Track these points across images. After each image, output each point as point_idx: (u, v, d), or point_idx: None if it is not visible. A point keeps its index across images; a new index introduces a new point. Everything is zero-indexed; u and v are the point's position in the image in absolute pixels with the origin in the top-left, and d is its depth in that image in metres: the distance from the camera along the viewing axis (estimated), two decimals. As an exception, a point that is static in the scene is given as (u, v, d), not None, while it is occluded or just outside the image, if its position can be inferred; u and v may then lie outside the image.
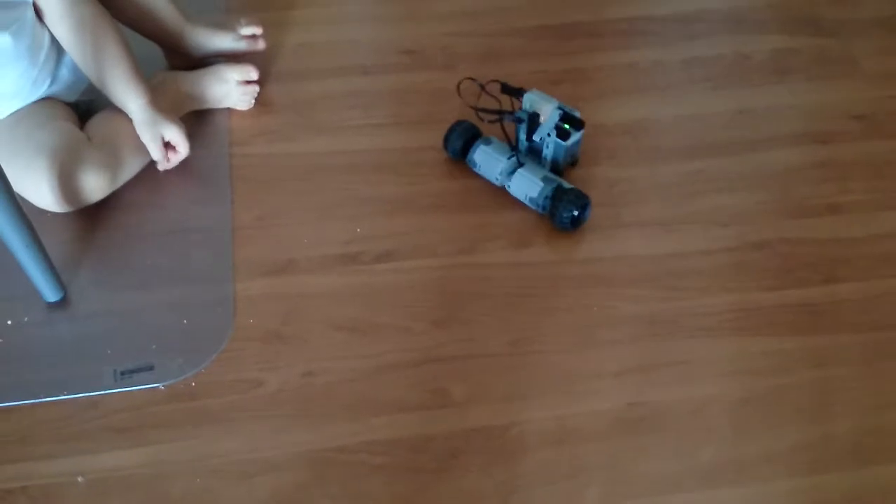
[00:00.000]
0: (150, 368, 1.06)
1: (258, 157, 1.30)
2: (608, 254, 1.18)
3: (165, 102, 1.26)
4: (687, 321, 1.10)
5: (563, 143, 1.20)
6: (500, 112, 1.20)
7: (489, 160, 1.23)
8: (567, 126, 1.19)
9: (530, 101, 1.20)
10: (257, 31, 1.39)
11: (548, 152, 1.22)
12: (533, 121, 1.20)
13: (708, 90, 1.42)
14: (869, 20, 1.54)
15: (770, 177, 1.27)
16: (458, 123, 1.26)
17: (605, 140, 1.32)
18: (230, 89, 1.34)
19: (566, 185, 1.19)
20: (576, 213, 1.16)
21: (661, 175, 1.28)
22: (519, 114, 1.20)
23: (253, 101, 1.36)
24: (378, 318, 1.10)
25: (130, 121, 1.20)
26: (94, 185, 1.16)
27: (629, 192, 1.26)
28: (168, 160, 1.23)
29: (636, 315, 1.11)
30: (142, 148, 1.21)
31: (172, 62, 1.40)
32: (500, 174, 1.22)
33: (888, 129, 1.34)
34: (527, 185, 1.20)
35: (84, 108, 1.27)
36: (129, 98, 1.18)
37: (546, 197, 1.18)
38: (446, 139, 1.26)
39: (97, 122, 1.22)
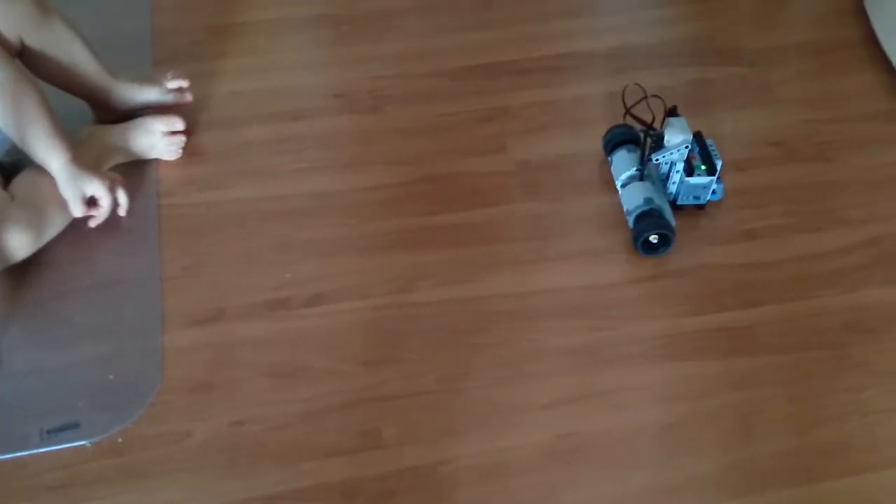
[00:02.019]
0: (77, 426, 1.05)
1: (187, 207, 1.30)
2: (536, 287, 1.20)
3: (90, 157, 1.26)
4: (613, 351, 1.12)
5: (686, 178, 1.22)
6: (643, 123, 1.23)
7: (620, 164, 1.27)
8: (699, 165, 1.22)
9: (669, 123, 1.22)
10: (184, 84, 1.40)
11: (672, 184, 1.24)
12: (655, 141, 1.22)
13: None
14: (782, 48, 1.59)
15: (688, 207, 1.30)
16: (618, 126, 1.30)
17: (531, 175, 1.35)
18: (156, 140, 1.35)
19: (661, 212, 1.20)
20: (648, 236, 1.19)
21: (586, 208, 1.31)
22: (650, 130, 1.22)
23: (180, 151, 1.37)
24: (308, 362, 1.10)
25: (54, 178, 1.20)
26: (18, 244, 1.15)
27: (556, 227, 1.28)
28: (92, 216, 1.23)
29: (564, 347, 1.13)
30: (66, 205, 1.20)
31: (99, 116, 1.40)
32: (620, 180, 1.26)
33: (803, 154, 1.38)
34: (630, 198, 1.23)
35: (9, 168, 1.26)
36: (51, 156, 1.18)
37: (636, 215, 1.21)
38: (604, 136, 1.32)
39: (21, 181, 1.22)
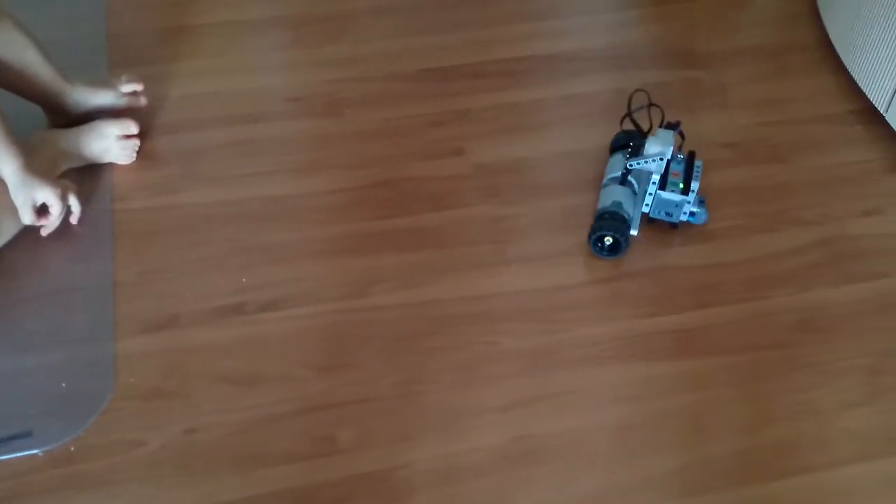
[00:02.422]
0: (28, 435, 1.03)
1: (141, 212, 1.29)
2: (492, 290, 1.20)
3: (43, 163, 1.24)
4: (569, 352, 1.13)
5: (659, 191, 1.21)
6: (638, 128, 1.24)
7: (612, 166, 1.27)
8: (677, 182, 1.20)
9: (657, 134, 1.22)
10: (138, 87, 1.38)
11: (648, 195, 1.22)
12: (634, 147, 1.23)
13: (587, 126, 1.46)
14: (738, 51, 1.61)
15: (646, 207, 1.31)
16: (626, 131, 1.29)
17: (489, 179, 1.35)
18: (110, 144, 1.33)
19: (624, 217, 1.19)
20: (602, 236, 1.19)
21: (543, 211, 1.31)
22: (637, 136, 1.22)
23: (134, 155, 1.35)
24: (263, 368, 1.10)
25: (6, 185, 1.18)
26: (-33, 250, 1.13)
27: (512, 230, 1.28)
28: (43, 224, 1.21)
29: (520, 350, 1.13)
30: (17, 212, 1.19)
31: (54, 121, 1.38)
32: (604, 181, 1.26)
33: (757, 156, 1.40)
34: (603, 198, 1.23)
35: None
36: (2, 162, 1.16)
37: (598, 214, 1.21)
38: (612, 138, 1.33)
39: (-29, 188, 1.20)
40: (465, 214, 1.31)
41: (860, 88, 1.48)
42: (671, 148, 1.19)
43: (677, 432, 1.05)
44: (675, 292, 1.20)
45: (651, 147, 1.19)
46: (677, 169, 1.22)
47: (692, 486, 1.00)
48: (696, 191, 1.20)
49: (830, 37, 1.58)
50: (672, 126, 1.24)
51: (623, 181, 1.23)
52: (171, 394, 1.07)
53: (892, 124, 1.41)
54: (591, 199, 1.32)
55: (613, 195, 1.22)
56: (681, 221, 1.24)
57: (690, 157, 1.24)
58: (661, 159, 1.18)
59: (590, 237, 1.21)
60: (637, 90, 1.24)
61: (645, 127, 1.27)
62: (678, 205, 1.22)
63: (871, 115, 1.46)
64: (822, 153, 1.41)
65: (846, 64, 1.52)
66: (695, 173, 1.21)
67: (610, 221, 1.19)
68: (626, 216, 1.20)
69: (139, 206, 1.30)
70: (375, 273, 1.21)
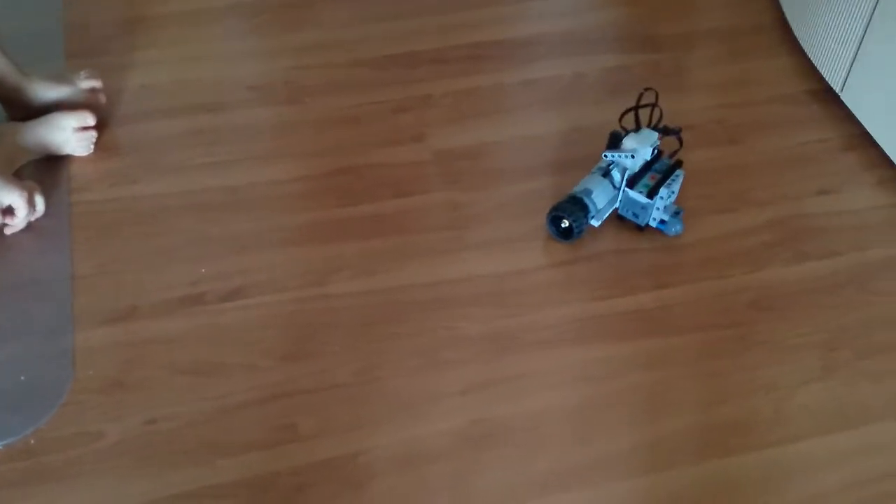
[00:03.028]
0: (-13, 428, 1.03)
1: (100, 203, 1.29)
2: (452, 276, 1.21)
3: (1, 156, 1.23)
4: (527, 336, 1.14)
5: (626, 189, 1.20)
6: (637, 123, 1.23)
7: (601, 161, 1.25)
8: (646, 184, 1.19)
9: (640, 132, 1.21)
10: (97, 84, 1.38)
11: (621, 191, 1.22)
12: (611, 141, 1.23)
13: (547, 110, 1.47)
14: (696, 33, 1.62)
15: (605, 190, 1.32)
16: (628, 130, 1.25)
17: (450, 165, 1.36)
18: (68, 136, 1.32)
19: (586, 205, 1.19)
20: (558, 215, 1.20)
21: (503, 196, 1.32)
22: (620, 132, 1.22)
23: (92, 147, 1.35)
24: (223, 358, 1.10)
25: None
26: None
27: (472, 215, 1.29)
28: (8, 224, 1.20)
29: (479, 334, 1.14)
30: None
31: (11, 114, 1.37)
32: (594, 168, 1.25)
33: (714, 138, 1.42)
34: (580, 182, 1.23)
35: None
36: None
37: (566, 196, 1.21)
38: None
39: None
40: (426, 201, 1.31)
41: (816, 69, 1.50)
42: (648, 148, 1.18)
43: (634, 411, 1.06)
44: (632, 274, 1.21)
45: (628, 142, 1.19)
46: (657, 173, 1.21)
47: (648, 463, 1.01)
48: (665, 198, 1.19)
49: (787, 18, 1.60)
50: (671, 131, 1.23)
51: (606, 173, 1.23)
52: (130, 385, 1.07)
53: (847, 103, 1.43)
54: (550, 184, 1.33)
55: (588, 182, 1.22)
56: (648, 226, 1.23)
57: (674, 165, 1.23)
58: (633, 156, 1.18)
59: (547, 214, 1.21)
60: (647, 88, 1.23)
61: (638, 121, 1.26)
62: (644, 207, 1.20)
63: (827, 94, 1.48)
64: (778, 134, 1.43)
65: (802, 45, 1.54)
66: (669, 181, 1.20)
67: (569, 205, 1.20)
68: (588, 204, 1.19)
69: (98, 198, 1.29)
70: (336, 261, 1.22)
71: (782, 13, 1.62)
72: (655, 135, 1.20)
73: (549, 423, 1.05)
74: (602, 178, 1.22)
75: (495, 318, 1.16)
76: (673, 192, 1.21)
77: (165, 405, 1.05)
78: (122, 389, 1.06)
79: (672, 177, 1.21)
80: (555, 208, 1.21)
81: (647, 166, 1.21)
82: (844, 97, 1.43)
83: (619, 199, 1.23)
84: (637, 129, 1.22)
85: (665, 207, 1.21)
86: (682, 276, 1.21)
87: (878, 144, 1.38)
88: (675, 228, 1.22)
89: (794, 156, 1.39)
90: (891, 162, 1.36)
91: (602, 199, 1.21)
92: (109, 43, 1.56)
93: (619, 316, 1.16)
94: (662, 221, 1.22)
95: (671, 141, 1.26)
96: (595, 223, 1.22)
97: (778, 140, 1.42)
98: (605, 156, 1.20)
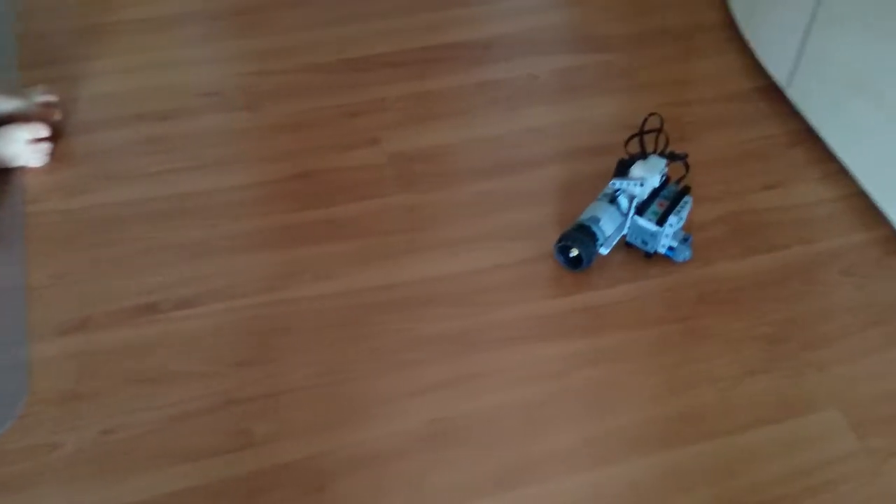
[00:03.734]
0: (-59, 443, 1.02)
1: (54, 214, 1.28)
2: (409, 278, 1.22)
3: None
4: (483, 335, 1.15)
5: (635, 216, 1.19)
6: (644, 151, 1.22)
7: (607, 187, 1.24)
8: (656, 211, 1.18)
9: (648, 159, 1.20)
10: (53, 98, 1.38)
11: (629, 218, 1.20)
12: (619, 168, 1.21)
13: (501, 112, 1.49)
14: (646, 33, 1.65)
15: (557, 190, 1.35)
16: (637, 154, 1.24)
17: (405, 167, 1.37)
18: (20, 149, 1.32)
19: (593, 231, 1.17)
20: (567, 245, 1.18)
21: (458, 197, 1.34)
22: (628, 158, 1.21)
23: (46, 158, 1.34)
24: (178, 366, 1.10)
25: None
26: None
27: (428, 217, 1.31)
28: None
29: (436, 334, 1.16)
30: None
31: (-37, 126, 1.36)
32: (600, 195, 1.24)
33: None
34: (586, 210, 1.22)
35: None
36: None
37: (574, 224, 1.20)
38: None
39: None
40: (381, 204, 1.33)
41: (762, 66, 1.54)
42: (657, 176, 1.18)
43: (586, 406, 1.08)
44: (585, 272, 1.23)
45: (636, 170, 1.18)
46: (665, 200, 1.21)
47: (597, 457, 1.04)
48: (674, 225, 1.19)
49: (735, 17, 1.63)
50: (677, 157, 1.22)
51: (612, 199, 1.21)
52: (86, 395, 1.07)
53: (792, 100, 1.47)
54: (505, 184, 1.35)
55: (595, 209, 1.20)
56: (657, 253, 1.23)
57: (682, 191, 1.22)
58: (642, 184, 1.17)
59: (556, 244, 1.20)
60: (651, 114, 1.24)
61: (643, 147, 1.25)
62: (653, 234, 1.19)
63: (773, 91, 1.51)
64: (726, 131, 1.46)
65: (749, 43, 1.57)
66: (678, 208, 1.19)
67: (578, 234, 1.18)
68: (596, 232, 1.18)
69: (52, 209, 1.29)
70: (291, 266, 1.23)
71: (730, 12, 1.65)
72: (663, 162, 1.20)
73: (505, 420, 1.07)
74: (609, 204, 1.20)
75: (452, 319, 1.17)
76: (681, 219, 1.20)
77: (122, 414, 1.05)
78: (78, 400, 1.07)
79: (681, 203, 1.20)
80: (563, 238, 1.18)
81: (655, 193, 1.21)
82: (790, 94, 1.47)
83: (628, 226, 1.21)
84: (644, 155, 1.21)
85: (674, 234, 1.20)
86: (634, 273, 1.23)
87: (822, 140, 1.41)
88: (683, 255, 1.21)
89: (742, 152, 1.42)
90: (835, 157, 1.39)
91: (610, 227, 1.19)
92: (64, 52, 1.56)
93: (572, 313, 1.18)
94: (671, 248, 1.21)
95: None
96: (604, 251, 1.21)
97: (726, 137, 1.45)
98: (614, 184, 1.19)
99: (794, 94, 1.45)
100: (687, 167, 1.25)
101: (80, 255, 1.22)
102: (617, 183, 1.19)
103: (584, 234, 1.17)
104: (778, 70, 1.48)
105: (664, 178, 1.21)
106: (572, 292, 1.21)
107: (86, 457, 1.02)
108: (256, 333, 1.15)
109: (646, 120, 1.23)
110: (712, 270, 1.24)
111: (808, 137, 1.44)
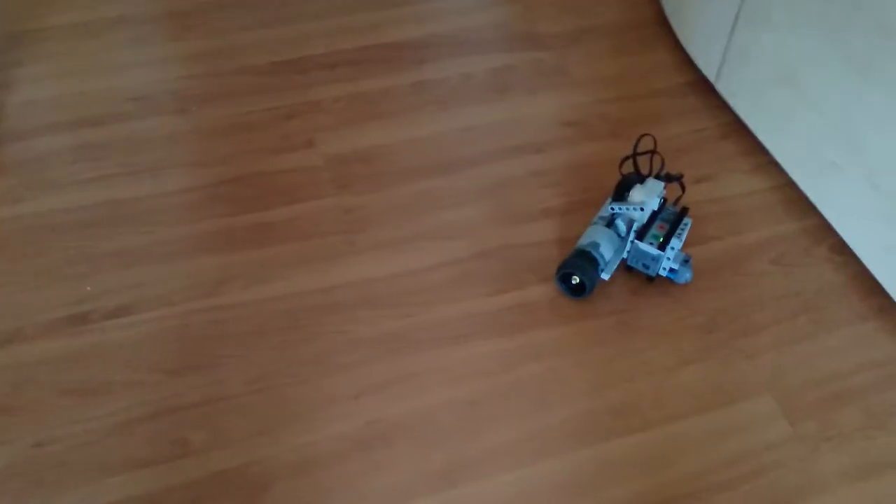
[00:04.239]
0: None
1: (-20, 225, 1.25)
2: (345, 280, 1.22)
3: None
4: (420, 335, 1.16)
5: (636, 241, 1.17)
6: (638, 173, 1.21)
7: (605, 207, 1.23)
8: (657, 235, 1.17)
9: (646, 183, 1.18)
10: None
11: (629, 242, 1.19)
12: (617, 190, 1.20)
13: (436, 112, 1.49)
14: (578, 31, 1.67)
15: (492, 189, 1.35)
16: (631, 173, 1.22)
17: (341, 169, 1.37)
18: (-58, 158, 1.29)
19: (594, 257, 1.16)
20: (569, 273, 1.16)
21: (395, 198, 1.34)
22: (625, 179, 1.18)
23: (-30, 168, 1.31)
24: (111, 376, 1.09)
25: None
26: None
27: (364, 218, 1.30)
28: None
29: (373, 336, 1.15)
30: None
31: None
32: (595, 218, 1.22)
33: (596, 132, 1.46)
34: (584, 235, 1.20)
35: None
36: None
37: (574, 251, 1.18)
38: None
39: None
40: (317, 206, 1.32)
41: (692, 61, 1.56)
42: (656, 199, 1.17)
43: (524, 402, 1.09)
44: (521, 269, 1.24)
45: (635, 194, 1.17)
46: (665, 222, 1.20)
47: (538, 451, 1.05)
48: (676, 248, 1.18)
49: (665, 13, 1.66)
50: (673, 178, 1.21)
51: (609, 223, 1.20)
52: (17, 408, 1.05)
53: (721, 94, 1.50)
54: (441, 184, 1.36)
55: (594, 234, 1.19)
56: (659, 276, 1.22)
57: (681, 213, 1.21)
58: (642, 209, 1.16)
59: (557, 271, 1.18)
60: (644, 134, 1.24)
61: (638, 168, 1.24)
62: (655, 258, 1.18)
63: (703, 85, 1.54)
64: (657, 125, 1.48)
65: (679, 38, 1.60)
66: (678, 230, 1.18)
67: (579, 261, 1.16)
68: (597, 258, 1.16)
69: (-22, 220, 1.26)
70: (226, 271, 1.22)
71: (661, 8, 1.68)
72: (661, 184, 1.18)
73: (445, 418, 1.07)
74: (606, 228, 1.19)
75: (389, 319, 1.17)
76: (682, 241, 1.19)
77: (53, 427, 1.04)
78: (9, 413, 1.04)
79: (681, 225, 1.19)
80: (564, 265, 1.17)
81: (654, 215, 1.20)
82: (719, 87, 1.50)
83: (629, 250, 1.20)
84: (640, 177, 1.20)
85: (674, 256, 1.20)
86: (568, 268, 1.24)
87: (751, 132, 1.44)
88: (685, 277, 1.20)
89: (674, 146, 1.44)
90: (764, 149, 1.43)
91: (609, 251, 1.18)
92: (-13, 59, 1.52)
93: (509, 310, 1.19)
94: (672, 270, 1.20)
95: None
96: (605, 277, 1.19)
97: (658, 132, 1.47)
98: (612, 209, 1.18)
99: (723, 88, 1.48)
100: (683, 188, 1.25)
101: (10, 265, 1.20)
102: (616, 207, 1.17)
103: (585, 260, 1.16)
104: (707, 65, 1.51)
105: (662, 201, 1.21)
106: (507, 290, 1.22)
107: (18, 470, 1.00)
108: (192, 340, 1.14)
109: (639, 141, 1.23)
110: (645, 264, 1.26)
111: (738, 130, 1.47)
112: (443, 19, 1.67)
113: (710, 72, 1.51)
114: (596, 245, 1.17)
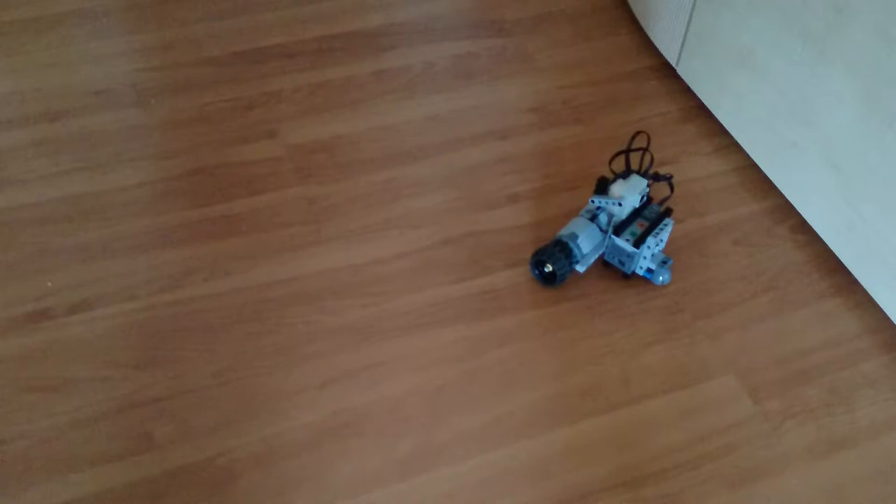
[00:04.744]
0: None
1: (-65, 223, 1.23)
2: (310, 270, 1.21)
3: None
4: (386, 323, 1.15)
5: (612, 236, 1.16)
6: (627, 167, 1.19)
7: (588, 204, 1.21)
8: (634, 231, 1.15)
9: (629, 178, 1.16)
10: None
11: (608, 237, 1.18)
12: (599, 185, 1.18)
13: (398, 100, 1.49)
14: (540, 17, 1.67)
15: (457, 176, 1.35)
16: (623, 172, 1.20)
17: (304, 160, 1.36)
18: None
19: (570, 247, 1.15)
20: (541, 259, 1.16)
21: (358, 187, 1.33)
22: (612, 177, 1.16)
23: (-76, 165, 1.29)
24: (74, 372, 1.08)
25: None
26: None
27: (328, 208, 1.30)
28: None
29: (338, 326, 1.15)
30: None
31: None
32: (582, 211, 1.21)
33: (559, 118, 1.46)
34: (566, 226, 1.19)
35: None
36: None
37: (553, 240, 1.17)
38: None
39: None
40: (281, 197, 1.31)
41: (654, 45, 1.57)
42: (637, 195, 1.16)
43: (489, 387, 1.09)
44: (485, 256, 1.24)
45: (616, 188, 1.16)
46: (646, 220, 1.18)
47: (504, 436, 1.05)
48: (652, 248, 1.17)
49: (626, -2, 1.66)
50: (661, 178, 1.21)
51: (593, 217, 1.19)
52: (-24, 408, 1.03)
53: (683, 77, 1.50)
54: (405, 173, 1.35)
55: (575, 226, 1.18)
56: (635, 274, 1.21)
57: (663, 214, 1.19)
58: (621, 204, 1.15)
59: (532, 257, 1.18)
60: (639, 132, 1.23)
61: (629, 165, 1.22)
62: (630, 255, 1.17)
63: (665, 69, 1.55)
64: (620, 110, 1.49)
65: (640, 23, 1.61)
66: (657, 230, 1.17)
67: (554, 250, 1.15)
68: (573, 249, 1.16)
69: (-67, 218, 1.24)
70: (189, 264, 1.21)
71: (621, -7, 1.68)
72: (644, 181, 1.17)
73: (408, 407, 1.07)
74: (589, 221, 1.18)
75: (354, 309, 1.17)
76: (661, 241, 1.18)
77: (15, 424, 1.02)
78: (-32, 413, 1.03)
79: (661, 225, 1.18)
80: (538, 253, 1.16)
81: (636, 213, 1.18)
82: (680, 71, 1.50)
83: (606, 245, 1.19)
84: (626, 173, 1.19)
85: (653, 256, 1.19)
86: (528, 254, 1.25)
87: (713, 115, 1.45)
88: (661, 278, 1.19)
89: (636, 130, 1.45)
90: (725, 131, 1.44)
91: (588, 245, 1.17)
92: (-60, 54, 1.49)
93: (474, 297, 1.19)
94: (649, 270, 1.19)
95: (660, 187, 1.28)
96: (580, 269, 1.19)
97: (620, 116, 1.48)
98: (593, 201, 1.16)
99: (684, 71, 1.49)
100: (672, 188, 1.26)
101: (-36, 264, 1.18)
102: (596, 200, 1.16)
103: (560, 250, 1.15)
104: (668, 48, 1.52)
105: (645, 199, 1.19)
106: (472, 276, 1.22)
107: (-23, 472, 0.98)
108: (153, 335, 1.12)
109: (633, 138, 1.22)
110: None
111: (700, 113, 1.48)
112: (404, 7, 1.66)
113: (671, 55, 1.52)
114: (574, 236, 1.17)
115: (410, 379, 1.10)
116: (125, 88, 1.46)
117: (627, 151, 1.22)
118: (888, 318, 1.19)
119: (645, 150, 1.24)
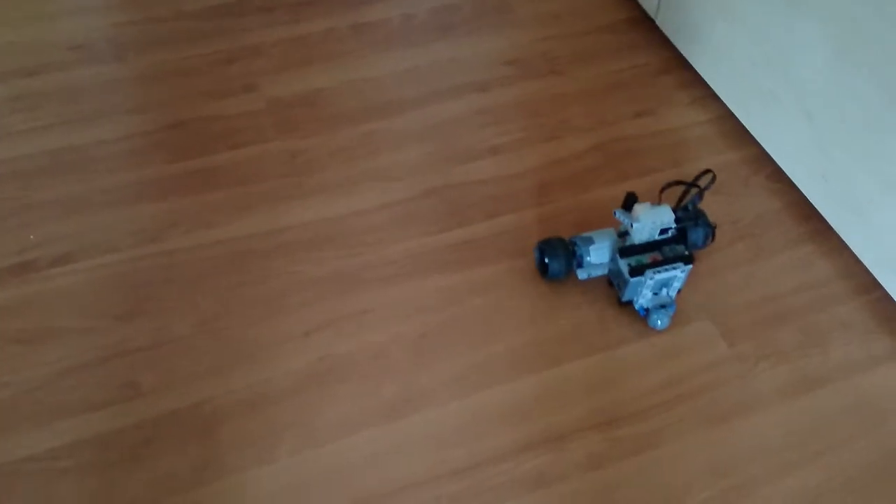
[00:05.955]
0: None
1: (-86, 179, 1.23)
2: (292, 222, 1.22)
3: None
4: (368, 273, 1.17)
5: (617, 255, 1.10)
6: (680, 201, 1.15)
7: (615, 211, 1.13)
8: (640, 259, 1.08)
9: (657, 208, 1.09)
10: None
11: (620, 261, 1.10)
12: (626, 201, 1.12)
13: (378, 53, 1.49)
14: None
15: (436, 129, 1.36)
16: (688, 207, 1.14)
17: (284, 113, 1.36)
18: None
19: (577, 251, 1.12)
20: (539, 244, 1.14)
21: (339, 140, 1.34)
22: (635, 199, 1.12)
23: None
24: (59, 322, 1.08)
25: None
26: None
27: (310, 161, 1.30)
28: None
29: (321, 276, 1.16)
30: None
31: None
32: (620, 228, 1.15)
33: (537, 70, 1.47)
34: (591, 232, 1.14)
35: None
36: None
37: (573, 239, 1.14)
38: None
39: None
40: (262, 150, 1.31)
41: (632, -3, 1.57)
42: (650, 224, 1.08)
43: (469, 334, 1.11)
44: (464, 207, 1.25)
45: (637, 209, 1.09)
46: (661, 255, 1.09)
47: (484, 380, 1.07)
48: (650, 286, 1.09)
49: (604, -50, 1.66)
50: (700, 220, 1.13)
51: (622, 233, 1.13)
52: (-38, 360, 1.04)
53: (662, 29, 1.51)
54: (385, 126, 1.36)
55: (598, 235, 1.13)
56: (630, 303, 1.14)
57: (683, 257, 1.09)
58: (632, 225, 1.09)
59: (538, 242, 1.15)
60: (707, 171, 1.15)
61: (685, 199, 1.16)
62: (625, 282, 1.09)
63: (643, 22, 1.55)
64: (598, 62, 1.50)
65: (619, -25, 1.60)
66: (665, 268, 1.08)
67: (558, 246, 1.13)
68: (579, 253, 1.12)
69: (-89, 173, 1.23)
70: (170, 216, 1.21)
71: (601, -54, 1.67)
72: (672, 216, 1.09)
73: (391, 353, 1.09)
74: (615, 236, 1.13)
75: (337, 259, 1.18)
76: (663, 282, 1.09)
77: (4, 374, 1.04)
78: (-46, 364, 1.04)
79: (671, 265, 1.08)
80: (545, 241, 1.14)
81: (655, 245, 1.10)
82: (659, 23, 1.51)
83: (611, 261, 1.13)
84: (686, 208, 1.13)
85: (654, 297, 1.12)
86: (513, 204, 1.26)
87: (691, 66, 1.46)
88: (659, 322, 1.11)
89: (614, 82, 1.46)
90: (703, 81, 1.45)
91: (598, 256, 1.12)
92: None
93: (453, 247, 1.20)
94: (645, 310, 1.12)
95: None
96: (581, 275, 1.15)
97: (598, 68, 1.48)
98: (615, 213, 1.10)
99: (663, 23, 1.50)
100: (712, 237, 1.17)
101: (-55, 218, 1.18)
102: (617, 213, 1.10)
103: (564, 249, 1.12)
104: (646, 0, 1.52)
105: (671, 233, 1.10)
106: (452, 227, 1.23)
107: (-35, 421, 0.99)
108: (136, 286, 1.13)
109: (701, 175, 1.16)
110: (588, 197, 1.28)
111: (678, 65, 1.49)
112: (382, -40, 1.65)
113: (650, 7, 1.52)
114: (589, 242, 1.12)
115: (393, 327, 1.11)
116: (103, 43, 1.45)
117: (690, 184, 1.14)
118: (861, 262, 1.21)
119: (698, 187, 1.14)
